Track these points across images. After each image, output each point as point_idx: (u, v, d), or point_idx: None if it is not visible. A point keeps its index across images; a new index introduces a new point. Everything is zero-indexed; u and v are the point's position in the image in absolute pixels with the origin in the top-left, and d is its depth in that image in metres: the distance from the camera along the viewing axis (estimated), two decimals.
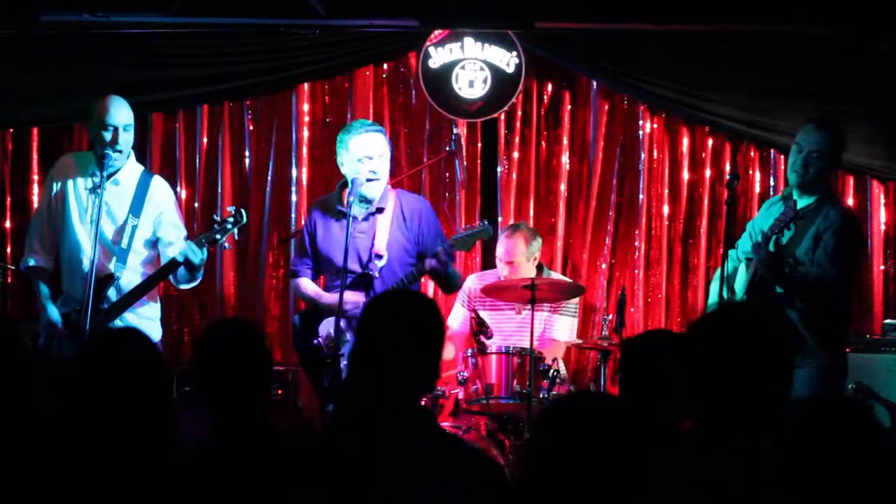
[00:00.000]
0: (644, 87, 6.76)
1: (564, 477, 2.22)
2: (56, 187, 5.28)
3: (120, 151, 5.13)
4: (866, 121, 6.52)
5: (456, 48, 6.74)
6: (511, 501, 2.68)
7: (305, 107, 6.94)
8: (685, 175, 6.90)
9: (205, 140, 6.93)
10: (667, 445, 3.01)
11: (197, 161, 6.92)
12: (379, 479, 2.66)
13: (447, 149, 6.53)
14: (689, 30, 6.56)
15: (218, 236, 5.12)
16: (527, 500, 2.29)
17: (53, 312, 5.16)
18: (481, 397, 5.55)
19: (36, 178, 6.89)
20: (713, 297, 5.16)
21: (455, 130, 6.38)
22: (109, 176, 5.19)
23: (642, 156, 6.88)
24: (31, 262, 5.33)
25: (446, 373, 5.75)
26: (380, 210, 5.42)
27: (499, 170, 6.93)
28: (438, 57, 6.74)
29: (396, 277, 5.35)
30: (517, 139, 6.92)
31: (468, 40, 6.72)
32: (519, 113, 6.90)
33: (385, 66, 6.96)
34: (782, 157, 6.38)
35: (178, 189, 6.71)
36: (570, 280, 6.47)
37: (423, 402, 3.59)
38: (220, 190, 6.89)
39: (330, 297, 5.36)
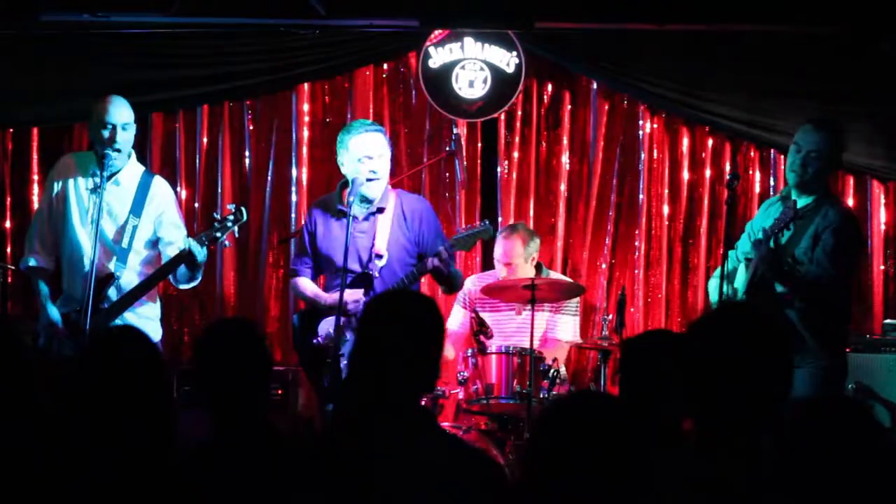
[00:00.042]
0: (644, 87, 6.76)
1: (564, 477, 2.22)
2: (57, 187, 5.28)
3: (119, 150, 5.13)
4: (866, 121, 6.52)
5: (456, 48, 6.74)
6: (511, 501, 2.68)
7: (305, 107, 6.94)
8: (685, 175, 6.90)
9: (205, 140, 6.93)
10: (667, 445, 3.01)
11: (197, 161, 6.92)
12: (379, 479, 2.66)
13: (447, 149, 6.53)
14: (689, 30, 6.56)
15: (218, 234, 5.12)
16: (527, 500, 2.29)
17: (53, 312, 5.16)
18: (481, 397, 5.55)
19: (36, 178, 6.89)
20: (714, 297, 5.16)
21: (455, 130, 6.38)
22: (111, 176, 5.19)
23: (642, 156, 6.87)
24: (32, 262, 5.33)
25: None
26: (380, 210, 5.42)
27: (499, 170, 6.93)
28: (438, 57, 6.74)
29: (396, 277, 5.35)
30: (517, 139, 6.91)
31: (468, 40, 6.72)
32: (519, 113, 6.90)
33: (385, 66, 6.95)
34: (782, 157, 6.38)
35: (179, 189, 6.71)
36: (570, 280, 6.46)
37: (423, 402, 3.59)
38: (220, 190, 6.89)
39: (329, 298, 5.35)
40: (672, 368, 3.04)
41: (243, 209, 5.19)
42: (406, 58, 6.89)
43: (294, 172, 6.94)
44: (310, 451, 2.85)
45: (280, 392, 6.12)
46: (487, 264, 6.62)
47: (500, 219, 6.83)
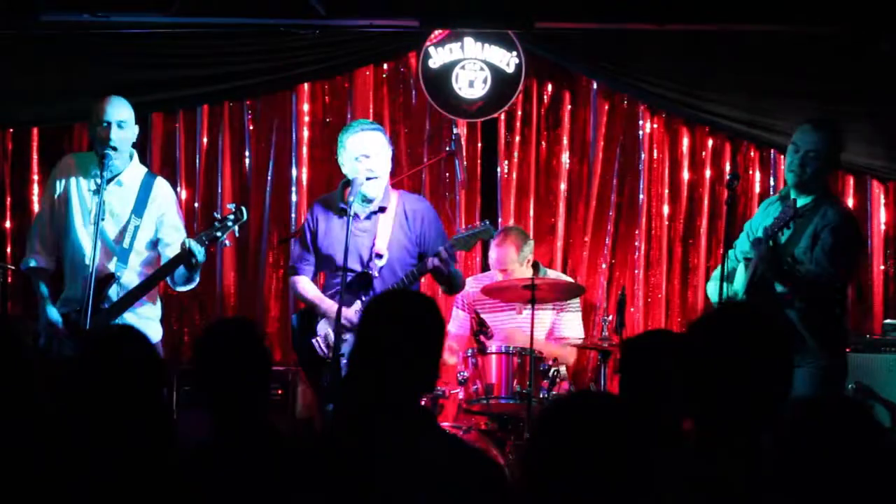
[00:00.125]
0: (644, 87, 6.76)
1: (564, 477, 2.22)
2: (59, 188, 5.28)
3: (115, 148, 5.12)
4: (866, 121, 6.52)
5: (456, 48, 6.74)
6: (511, 501, 2.68)
7: (305, 107, 6.93)
8: (685, 175, 6.90)
9: (205, 140, 6.93)
10: (667, 445, 3.01)
11: (197, 161, 6.91)
12: (379, 479, 2.66)
13: (447, 149, 6.53)
14: (689, 30, 6.56)
15: (219, 234, 5.12)
16: (527, 500, 2.29)
17: (53, 313, 5.16)
18: (481, 397, 5.55)
19: (36, 178, 6.89)
20: (713, 298, 5.16)
21: (455, 130, 6.38)
22: (113, 178, 5.19)
23: (642, 156, 6.87)
24: (32, 263, 5.33)
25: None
26: (382, 209, 5.42)
27: (499, 170, 6.93)
28: (438, 57, 6.74)
29: (397, 277, 5.35)
30: (517, 139, 6.91)
31: (468, 40, 6.72)
32: (519, 113, 6.90)
33: (385, 66, 6.95)
34: (782, 157, 6.37)
35: (179, 189, 6.71)
36: (570, 279, 6.47)
37: (423, 402, 3.59)
38: (220, 190, 6.89)
39: (328, 305, 5.33)
40: (672, 368, 3.05)
41: (243, 209, 5.19)
42: (406, 58, 6.89)
43: (294, 172, 6.94)
44: (310, 451, 2.85)
45: (280, 392, 6.12)
46: (487, 265, 6.62)
47: (500, 219, 6.83)
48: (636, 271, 6.89)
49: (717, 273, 5.19)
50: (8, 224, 6.89)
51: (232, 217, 5.14)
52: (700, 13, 6.34)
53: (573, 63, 6.85)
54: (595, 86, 6.90)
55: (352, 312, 5.19)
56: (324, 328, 5.36)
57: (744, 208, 6.68)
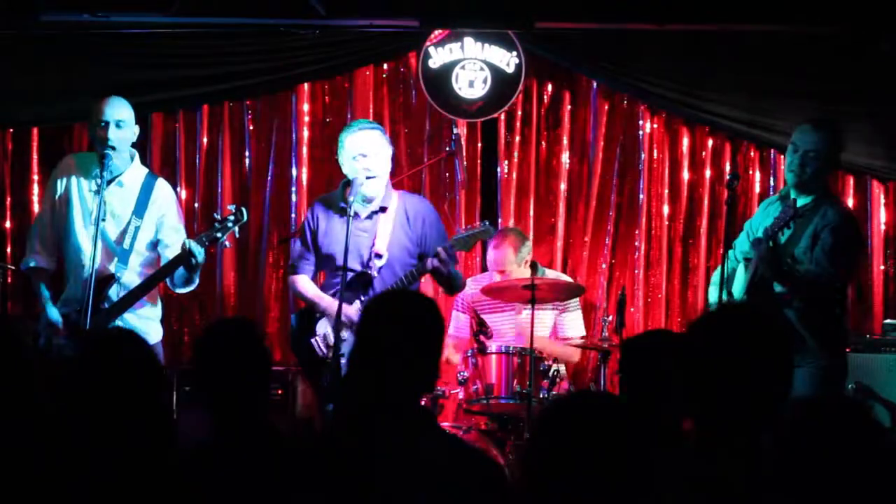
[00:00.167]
0: (644, 87, 6.76)
1: (564, 477, 2.22)
2: (60, 188, 5.28)
3: (114, 148, 5.12)
4: (866, 121, 6.52)
5: (456, 48, 6.74)
6: (511, 501, 2.68)
7: (305, 107, 6.94)
8: (685, 175, 6.90)
9: (205, 140, 6.93)
10: (667, 445, 3.01)
11: (197, 161, 6.91)
12: (379, 479, 2.66)
13: (447, 149, 6.54)
14: (689, 30, 6.56)
15: (219, 235, 5.12)
16: (527, 500, 2.29)
17: (53, 313, 5.16)
18: (481, 397, 5.55)
19: (36, 178, 6.89)
20: (713, 298, 5.15)
21: (455, 130, 6.38)
22: (114, 178, 5.19)
23: (642, 156, 6.88)
24: (32, 263, 5.33)
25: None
26: (383, 209, 5.41)
27: (499, 170, 6.93)
28: (438, 57, 6.74)
29: (397, 277, 5.35)
30: (517, 139, 6.91)
31: (468, 40, 6.72)
32: (519, 113, 6.90)
33: (385, 66, 6.95)
34: (782, 157, 6.37)
35: (179, 189, 6.71)
36: (570, 279, 6.47)
37: (423, 402, 3.59)
38: (220, 190, 6.89)
39: (329, 303, 5.33)
40: (672, 368, 3.04)
41: (244, 210, 5.19)
42: (406, 58, 6.89)
43: (294, 172, 6.94)
44: (310, 451, 2.85)
45: (280, 392, 6.12)
46: (487, 266, 6.62)
47: (499, 219, 6.83)
48: (636, 271, 6.89)
49: (716, 277, 5.18)
50: (8, 224, 6.89)
51: (232, 218, 5.14)
52: (700, 13, 6.34)
53: (573, 63, 6.85)
54: (595, 86, 6.91)
55: (352, 310, 5.18)
56: (323, 328, 5.36)
57: (744, 208, 6.68)
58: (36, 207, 6.71)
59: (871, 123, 6.54)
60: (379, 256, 5.35)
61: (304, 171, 6.94)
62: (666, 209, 6.89)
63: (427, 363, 2.83)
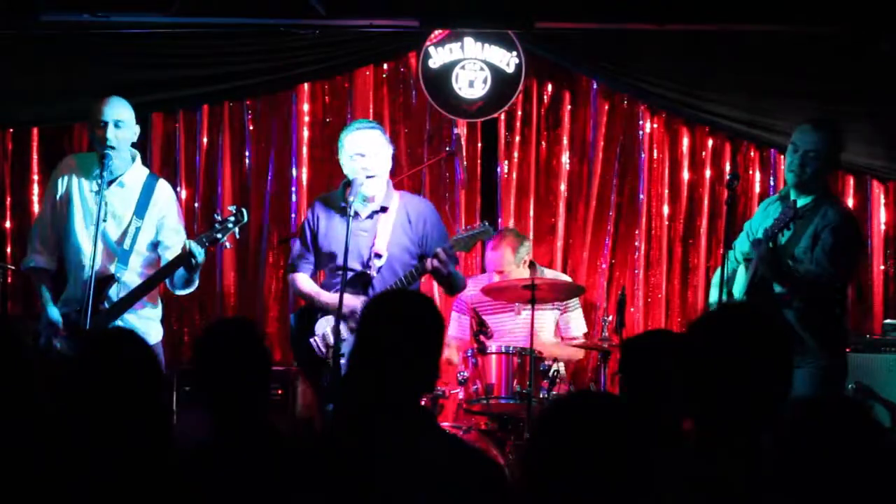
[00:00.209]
0: (644, 87, 6.76)
1: (564, 477, 2.22)
2: (61, 188, 5.28)
3: (113, 147, 5.12)
4: (866, 121, 6.52)
5: (456, 48, 6.74)
6: (511, 501, 2.68)
7: (305, 107, 6.93)
8: (685, 175, 6.90)
9: (205, 140, 6.93)
10: (667, 445, 3.01)
11: (197, 161, 6.91)
12: (379, 479, 2.66)
13: (447, 149, 6.54)
14: (689, 30, 6.56)
15: (219, 235, 5.12)
16: (527, 500, 2.29)
17: (54, 313, 5.16)
18: (481, 397, 5.55)
19: (36, 178, 6.88)
20: (713, 298, 5.15)
21: (455, 130, 6.39)
22: (115, 179, 5.19)
23: (642, 156, 6.88)
24: (33, 263, 5.33)
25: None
26: (384, 209, 5.41)
27: (499, 170, 6.93)
28: (438, 57, 6.74)
29: (397, 277, 5.34)
30: (517, 139, 6.91)
31: (468, 40, 6.72)
32: (519, 113, 6.90)
33: (385, 66, 6.95)
34: (782, 157, 6.37)
35: (179, 189, 6.71)
36: (569, 279, 6.47)
37: (423, 402, 3.59)
38: (220, 190, 6.89)
39: (328, 297, 5.34)
40: (672, 368, 3.05)
41: (244, 211, 5.18)
42: (406, 58, 6.89)
43: (294, 172, 6.94)
44: (310, 451, 2.85)
45: (280, 392, 6.12)
46: (485, 266, 6.62)
47: (499, 219, 6.83)
48: (636, 271, 6.89)
49: (716, 278, 5.18)
50: (8, 224, 6.88)
51: (232, 219, 5.14)
52: (700, 13, 6.34)
53: (573, 63, 6.85)
54: (595, 86, 6.91)
55: (358, 302, 5.16)
56: (322, 328, 5.36)
57: (744, 208, 6.68)
58: (36, 207, 6.71)
59: (871, 123, 6.54)
60: (378, 256, 5.35)
61: (304, 171, 6.94)
62: (666, 209, 6.89)
63: (427, 363, 2.83)
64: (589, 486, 2.21)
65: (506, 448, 5.43)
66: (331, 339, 5.20)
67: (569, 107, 6.93)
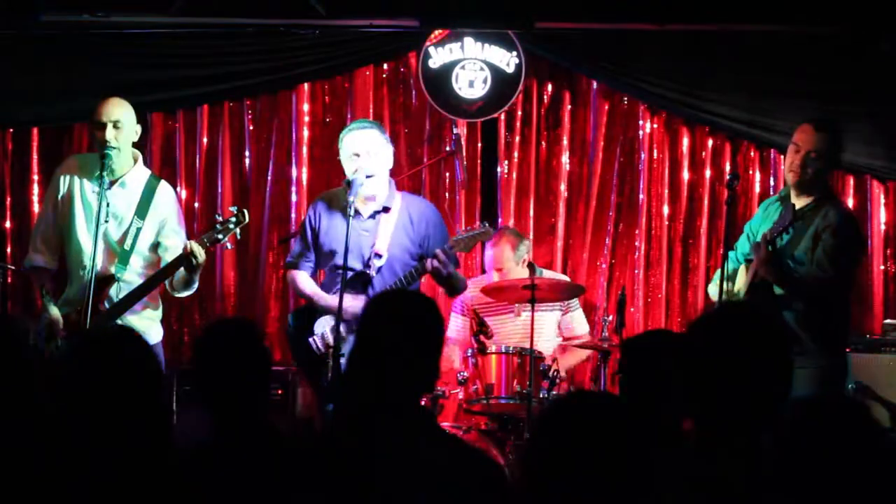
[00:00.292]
0: (644, 87, 6.77)
1: (564, 477, 2.22)
2: (63, 189, 5.29)
3: (114, 148, 5.12)
4: (866, 121, 6.53)
5: (456, 48, 6.74)
6: (511, 501, 2.68)
7: (305, 107, 6.94)
8: (685, 175, 6.91)
9: (205, 140, 6.93)
10: (667, 445, 3.01)
11: (197, 161, 6.91)
12: (379, 479, 2.66)
13: (447, 149, 6.55)
14: (689, 30, 6.56)
15: (220, 236, 5.12)
16: (527, 500, 2.29)
17: (55, 312, 5.16)
18: (481, 397, 5.55)
19: (36, 178, 6.88)
20: (714, 296, 5.15)
21: (455, 130, 6.39)
22: (117, 179, 5.20)
23: (642, 156, 6.88)
24: (34, 263, 5.33)
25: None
26: (386, 209, 5.41)
27: (499, 170, 6.93)
28: (438, 57, 6.74)
29: (397, 277, 5.34)
30: (517, 139, 6.92)
31: (468, 40, 6.72)
32: (519, 113, 6.90)
33: (385, 66, 6.95)
34: (782, 157, 6.37)
35: (179, 189, 6.70)
36: (569, 280, 6.47)
37: (423, 402, 3.59)
38: (220, 190, 6.89)
39: (329, 299, 5.32)
40: (672, 368, 3.05)
41: (245, 211, 5.18)
42: (406, 58, 6.89)
43: (294, 172, 6.94)
44: (310, 451, 2.85)
45: (280, 392, 6.12)
46: (485, 267, 6.62)
47: (499, 219, 6.83)
48: (636, 271, 6.89)
49: (717, 279, 5.18)
50: (8, 224, 6.88)
51: (234, 219, 5.14)
52: (700, 13, 6.34)
53: (573, 63, 6.85)
54: (595, 86, 6.91)
55: (358, 303, 5.15)
56: (321, 327, 5.35)
57: (744, 208, 6.68)
58: (36, 207, 6.71)
59: (871, 123, 6.54)
60: (379, 256, 5.35)
61: (304, 171, 6.94)
62: (666, 209, 6.89)
63: (427, 363, 2.84)
64: (589, 486, 2.21)
65: (506, 448, 5.43)
66: (330, 339, 5.20)
67: (569, 107, 6.93)
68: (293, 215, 6.91)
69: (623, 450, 2.24)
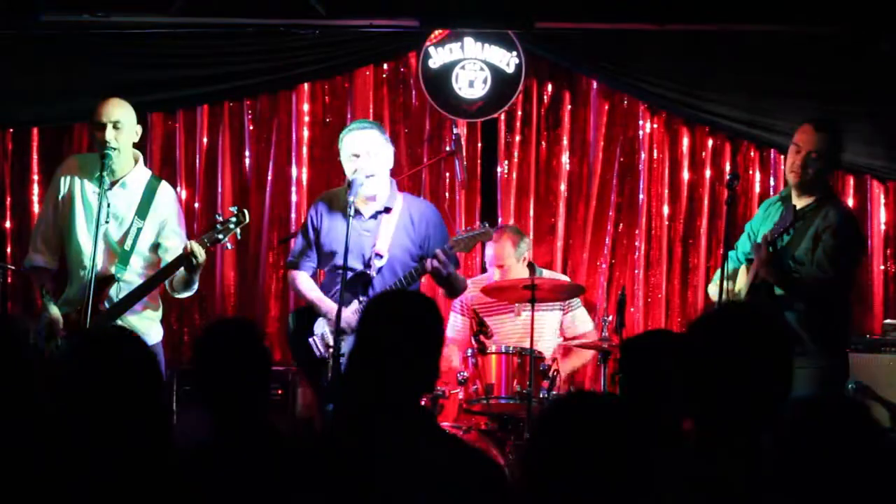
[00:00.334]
0: (644, 87, 6.77)
1: (564, 477, 2.22)
2: (63, 189, 5.29)
3: (114, 149, 5.12)
4: (866, 121, 6.53)
5: (456, 48, 6.74)
6: (511, 501, 2.68)
7: (305, 107, 6.94)
8: (685, 175, 6.90)
9: (205, 140, 6.93)
10: (667, 445, 3.01)
11: (197, 161, 6.91)
12: (379, 479, 2.66)
13: (447, 149, 6.54)
14: (689, 30, 6.57)
15: (220, 236, 5.12)
16: (527, 500, 2.29)
17: (55, 312, 5.16)
18: (481, 397, 5.55)
19: (36, 178, 6.88)
20: (714, 296, 5.15)
21: (455, 130, 6.38)
22: (118, 180, 5.20)
23: (642, 156, 6.88)
24: (34, 263, 5.33)
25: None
26: (387, 210, 5.41)
27: (499, 170, 6.93)
28: (438, 57, 6.74)
29: (397, 278, 5.34)
30: (517, 139, 6.92)
31: (468, 40, 6.72)
32: (519, 113, 6.90)
33: (385, 66, 6.95)
34: (782, 157, 6.38)
35: (179, 189, 6.70)
36: (569, 280, 6.47)
37: (423, 402, 3.59)
38: (220, 190, 6.89)
39: (329, 307, 5.30)
40: (672, 368, 3.05)
41: (245, 211, 5.18)
42: (406, 58, 6.89)
43: (294, 172, 6.94)
44: (310, 451, 2.85)
45: (280, 392, 6.12)
46: (485, 267, 6.62)
47: (499, 219, 6.83)
48: (636, 271, 6.89)
49: (716, 279, 5.18)
50: (8, 224, 6.88)
51: (234, 219, 5.14)
52: (700, 13, 6.34)
53: (573, 63, 6.85)
54: (595, 86, 6.91)
55: (350, 314, 5.17)
56: (321, 328, 5.35)
57: (744, 208, 6.69)
58: (36, 207, 6.71)
59: (871, 123, 6.54)
60: (380, 256, 5.35)
61: (304, 171, 6.94)
62: (666, 209, 6.89)
63: (427, 363, 2.84)
64: (589, 486, 2.20)
65: (506, 448, 5.43)
66: (330, 340, 5.20)
67: (569, 107, 6.93)
68: (293, 215, 6.90)
69: (623, 450, 2.24)
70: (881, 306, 6.75)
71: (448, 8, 6.51)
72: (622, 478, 2.22)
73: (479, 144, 6.92)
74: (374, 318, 2.89)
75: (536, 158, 6.94)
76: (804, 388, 4.58)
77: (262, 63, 6.79)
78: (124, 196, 5.22)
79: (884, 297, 6.78)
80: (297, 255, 5.53)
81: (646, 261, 6.90)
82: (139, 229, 5.20)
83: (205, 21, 6.60)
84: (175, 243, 5.24)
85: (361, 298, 5.25)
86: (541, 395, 5.46)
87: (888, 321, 6.37)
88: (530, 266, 6.24)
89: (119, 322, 5.12)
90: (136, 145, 5.31)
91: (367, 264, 5.33)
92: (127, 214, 5.22)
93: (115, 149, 5.13)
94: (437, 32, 6.71)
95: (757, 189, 6.84)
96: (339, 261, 5.23)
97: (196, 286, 5.28)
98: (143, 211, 5.22)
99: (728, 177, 5.38)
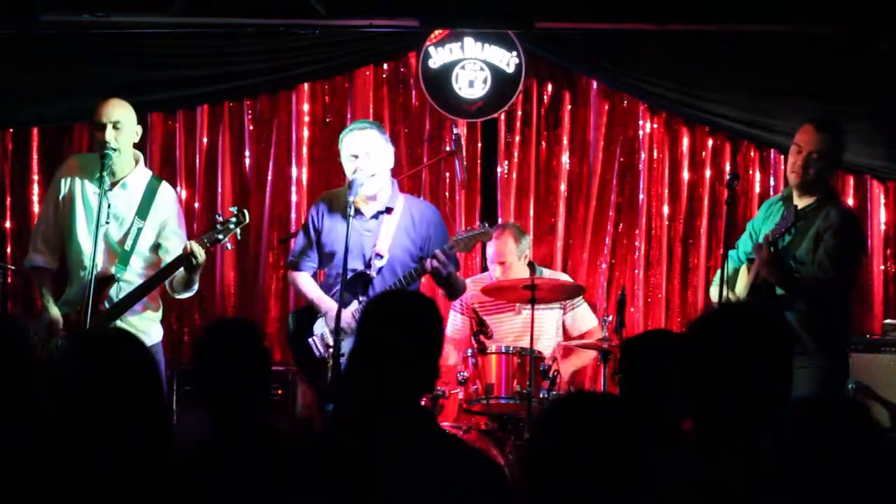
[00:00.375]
0: (644, 87, 6.77)
1: (564, 477, 2.22)
2: (64, 189, 5.29)
3: (114, 149, 5.12)
4: (866, 121, 6.52)
5: (456, 48, 6.74)
6: (511, 501, 2.68)
7: (305, 107, 6.93)
8: (685, 175, 6.90)
9: (205, 140, 6.92)
10: (667, 445, 3.01)
11: (197, 161, 6.91)
12: (379, 479, 2.66)
13: (447, 149, 6.54)
14: (689, 30, 6.56)
15: (220, 236, 5.12)
16: (527, 500, 2.29)
17: (55, 312, 5.16)
18: (481, 397, 5.55)
19: (36, 178, 6.88)
20: (715, 299, 5.15)
21: (455, 130, 6.38)
22: (118, 181, 5.20)
23: (642, 156, 6.88)
24: (35, 263, 5.34)
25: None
26: (388, 210, 5.41)
27: (499, 170, 6.93)
28: (438, 57, 6.74)
29: (397, 278, 5.34)
30: (517, 139, 6.91)
31: (468, 40, 6.72)
32: (519, 113, 6.90)
33: (385, 66, 6.95)
34: (782, 157, 6.39)
35: (179, 189, 6.70)
36: (569, 279, 6.47)
37: (423, 402, 3.59)
38: (220, 190, 6.89)
39: (329, 307, 5.30)
40: (672, 368, 3.05)
41: (245, 211, 5.18)
42: (406, 58, 6.89)
43: (294, 172, 6.93)
44: (310, 451, 2.85)
45: (280, 392, 6.12)
46: (485, 266, 6.62)
47: (499, 219, 6.82)
48: (636, 271, 6.89)
49: (716, 279, 5.18)
50: (8, 224, 6.88)
51: (234, 220, 5.14)
52: (700, 13, 6.34)
53: (573, 63, 6.85)
54: (595, 86, 6.91)
55: (349, 314, 5.17)
56: (320, 328, 5.35)
57: (744, 208, 6.69)
58: (36, 207, 6.71)
59: (871, 123, 6.54)
60: (380, 257, 5.35)
61: (304, 171, 6.94)
62: (666, 209, 6.89)
63: (427, 363, 2.84)
64: (589, 486, 2.20)
65: (506, 448, 5.43)
66: (329, 340, 5.20)
67: (569, 107, 6.93)
68: (293, 215, 6.90)
69: (623, 450, 2.24)
70: (881, 306, 6.75)
71: (448, 8, 6.51)
72: (622, 478, 2.22)
73: (479, 144, 6.92)
74: (374, 318, 2.89)
75: (536, 158, 6.93)
76: (804, 388, 4.58)
77: (262, 63, 6.79)
78: (125, 196, 5.22)
79: (884, 297, 6.78)
80: (298, 255, 5.54)
81: (646, 261, 6.90)
82: (139, 230, 5.20)
83: (205, 21, 6.60)
84: (175, 244, 5.24)
85: (361, 298, 5.26)
86: (541, 395, 5.46)
87: (888, 321, 6.37)
88: (531, 265, 6.23)
89: (119, 322, 5.13)
90: (136, 145, 5.32)
91: (368, 264, 5.33)
92: (127, 215, 5.22)
93: (115, 149, 5.13)
94: (437, 32, 6.71)
95: (757, 189, 6.83)
96: (339, 261, 5.23)
97: (196, 286, 5.29)
98: (143, 211, 5.22)
99: (728, 177, 5.38)
